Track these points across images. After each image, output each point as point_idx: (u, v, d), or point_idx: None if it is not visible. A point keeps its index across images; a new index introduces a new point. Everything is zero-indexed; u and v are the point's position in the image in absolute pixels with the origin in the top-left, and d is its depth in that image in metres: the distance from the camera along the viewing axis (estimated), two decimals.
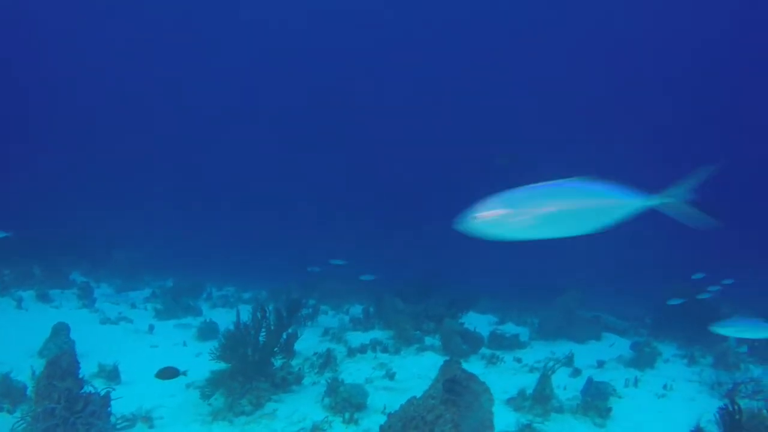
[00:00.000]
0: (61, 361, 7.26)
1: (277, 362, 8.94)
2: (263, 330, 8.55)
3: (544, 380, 9.03)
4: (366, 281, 15.33)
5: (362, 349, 11.49)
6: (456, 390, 6.81)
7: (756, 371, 11.66)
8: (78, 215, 28.36)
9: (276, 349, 8.84)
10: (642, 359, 12.26)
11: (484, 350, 12.19)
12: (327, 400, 8.25)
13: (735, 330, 9.68)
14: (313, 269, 16.70)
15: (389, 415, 6.70)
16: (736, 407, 6.68)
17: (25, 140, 47.55)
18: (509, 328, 15.31)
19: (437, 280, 16.55)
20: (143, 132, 50.98)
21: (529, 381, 9.58)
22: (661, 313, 16.85)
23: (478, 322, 15.73)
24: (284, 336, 8.92)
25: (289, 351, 9.06)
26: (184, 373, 5.49)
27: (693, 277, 14.98)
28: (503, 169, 12.14)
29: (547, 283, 19.57)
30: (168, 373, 5.38)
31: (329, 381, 8.51)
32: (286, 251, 26.93)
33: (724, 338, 14.94)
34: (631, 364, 12.13)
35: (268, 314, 8.62)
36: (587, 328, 14.98)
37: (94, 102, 50.28)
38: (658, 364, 12.69)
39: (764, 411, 7.34)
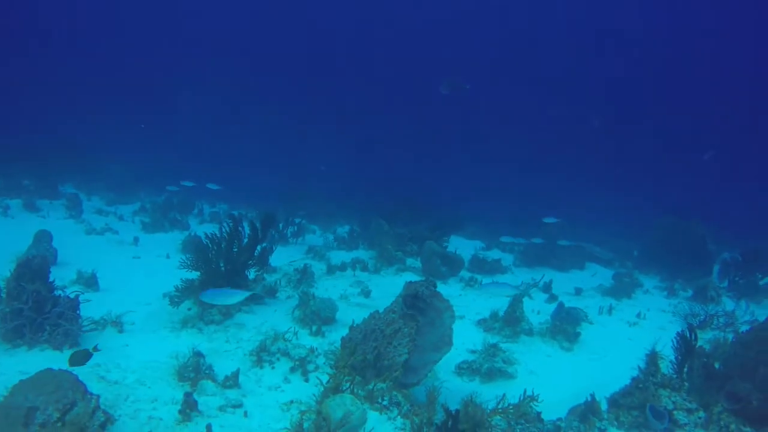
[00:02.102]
0: (31, 263, 7.32)
1: (251, 274, 9.02)
2: (236, 242, 8.57)
3: (516, 303, 9.12)
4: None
5: (342, 267, 11.59)
6: (419, 306, 6.88)
7: (730, 305, 11.72)
8: (78, 128, 28.25)
9: (250, 261, 8.89)
10: (620, 289, 12.36)
11: (464, 273, 12.30)
12: (297, 313, 8.36)
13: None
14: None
15: (351, 327, 6.79)
16: (692, 334, 6.74)
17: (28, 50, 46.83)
18: (494, 254, 15.37)
19: (426, 202, 16.56)
20: (146, 47, 50.01)
21: (504, 304, 9.62)
22: (648, 246, 16.93)
23: (465, 246, 15.84)
24: (258, 249, 8.96)
25: (263, 264, 9.11)
26: (95, 349, 5.47)
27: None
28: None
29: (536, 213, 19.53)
30: (79, 357, 5.33)
31: (300, 295, 8.59)
32: (279, 171, 27.06)
33: (707, 273, 15.08)
34: (608, 293, 12.22)
35: (239, 227, 8.62)
36: (572, 258, 15.07)
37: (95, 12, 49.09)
38: (637, 294, 12.80)
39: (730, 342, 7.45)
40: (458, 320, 9.52)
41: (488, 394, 6.30)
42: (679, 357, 6.74)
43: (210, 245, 8.39)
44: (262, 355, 6.71)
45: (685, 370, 6.96)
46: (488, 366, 7.66)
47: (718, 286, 13.82)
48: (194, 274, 8.36)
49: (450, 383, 7.32)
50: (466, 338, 8.65)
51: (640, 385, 6.34)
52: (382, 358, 6.24)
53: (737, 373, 6.81)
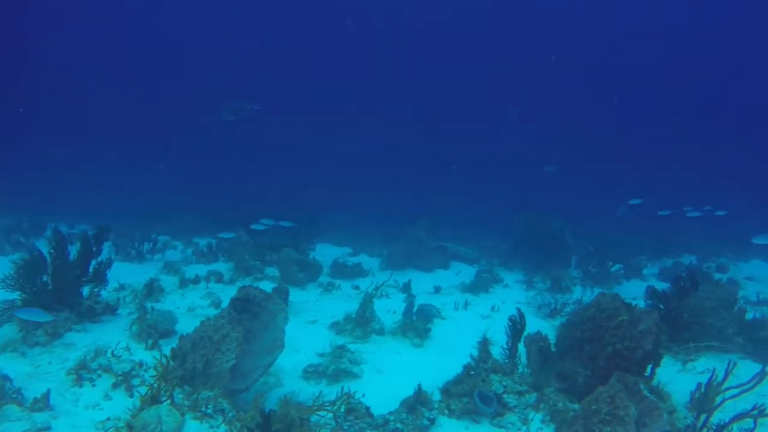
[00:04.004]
0: None
1: (86, 292, 8.51)
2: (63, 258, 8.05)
3: (366, 303, 9.10)
4: None
5: (196, 280, 11.21)
6: (253, 310, 6.70)
7: (578, 293, 12.26)
8: None
9: (84, 278, 8.39)
10: (479, 285, 12.65)
11: (324, 278, 12.20)
12: (134, 328, 7.95)
13: None
14: None
15: (181, 337, 6.51)
16: (520, 319, 6.93)
17: None
18: (361, 259, 15.41)
19: (292, 211, 16.35)
20: None
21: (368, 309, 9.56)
22: (513, 242, 17.46)
23: (333, 253, 15.79)
24: (93, 264, 8.47)
25: (99, 280, 8.61)
26: None
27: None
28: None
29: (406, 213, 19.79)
30: None
31: (138, 309, 8.19)
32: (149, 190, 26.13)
33: (567, 264, 15.75)
34: (467, 290, 12.47)
35: (67, 242, 8.12)
36: (436, 258, 15.30)
37: None
38: (497, 289, 13.15)
39: None
40: (311, 325, 9.50)
41: (333, 395, 6.19)
42: (510, 342, 6.91)
43: (35, 262, 7.84)
44: (81, 373, 6.27)
45: (519, 354, 7.17)
46: (334, 368, 7.55)
47: (572, 276, 14.48)
48: (16, 294, 7.79)
49: (296, 387, 7.18)
50: (317, 342, 8.54)
51: (472, 372, 6.43)
52: (210, 365, 6.00)
53: (568, 353, 7.07)
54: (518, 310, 7.18)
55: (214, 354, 6.06)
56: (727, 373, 6.09)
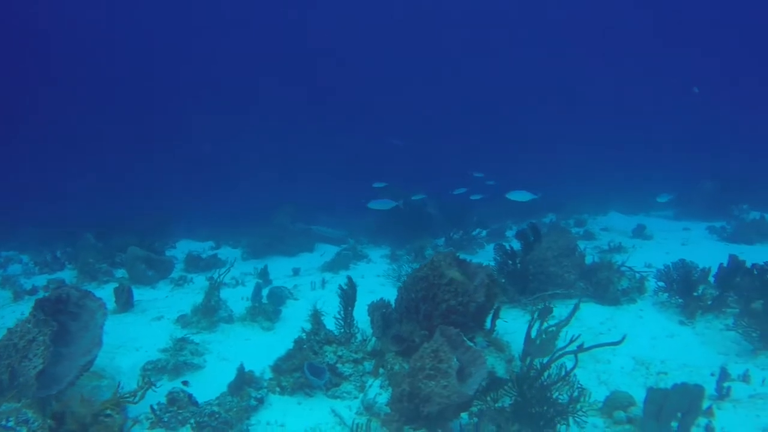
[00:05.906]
0: None
1: None
2: None
3: (210, 292, 8.78)
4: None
5: (33, 291, 10.46)
6: (70, 311, 6.27)
7: None
8: None
9: None
10: (339, 263, 12.56)
11: (177, 273, 11.73)
12: None
13: None
14: None
15: None
16: (350, 287, 6.87)
17: None
18: (224, 251, 14.98)
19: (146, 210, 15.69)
20: None
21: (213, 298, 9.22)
22: (379, 219, 17.48)
23: (195, 248, 15.25)
24: None
25: None
26: None
27: None
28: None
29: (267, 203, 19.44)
30: None
31: None
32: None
33: (435, 235, 15.95)
34: (327, 269, 12.35)
35: None
36: (301, 242, 15.10)
37: None
38: (360, 265, 13.12)
39: None
40: (156, 321, 9.08)
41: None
42: (342, 311, 6.84)
43: None
44: None
45: (357, 323, 7.12)
46: (174, 361, 7.21)
47: (436, 245, 14.69)
48: None
49: (134, 387, 6.78)
50: (161, 338, 8.15)
51: (304, 346, 6.29)
52: (17, 375, 5.53)
53: (406, 315, 7.06)
54: (348, 278, 7.13)
55: (20, 362, 5.59)
56: (532, 317, 6.28)
